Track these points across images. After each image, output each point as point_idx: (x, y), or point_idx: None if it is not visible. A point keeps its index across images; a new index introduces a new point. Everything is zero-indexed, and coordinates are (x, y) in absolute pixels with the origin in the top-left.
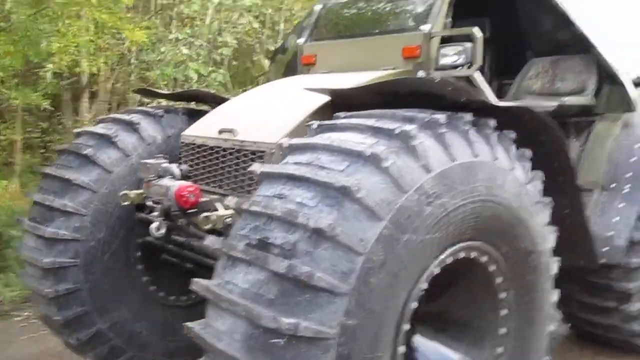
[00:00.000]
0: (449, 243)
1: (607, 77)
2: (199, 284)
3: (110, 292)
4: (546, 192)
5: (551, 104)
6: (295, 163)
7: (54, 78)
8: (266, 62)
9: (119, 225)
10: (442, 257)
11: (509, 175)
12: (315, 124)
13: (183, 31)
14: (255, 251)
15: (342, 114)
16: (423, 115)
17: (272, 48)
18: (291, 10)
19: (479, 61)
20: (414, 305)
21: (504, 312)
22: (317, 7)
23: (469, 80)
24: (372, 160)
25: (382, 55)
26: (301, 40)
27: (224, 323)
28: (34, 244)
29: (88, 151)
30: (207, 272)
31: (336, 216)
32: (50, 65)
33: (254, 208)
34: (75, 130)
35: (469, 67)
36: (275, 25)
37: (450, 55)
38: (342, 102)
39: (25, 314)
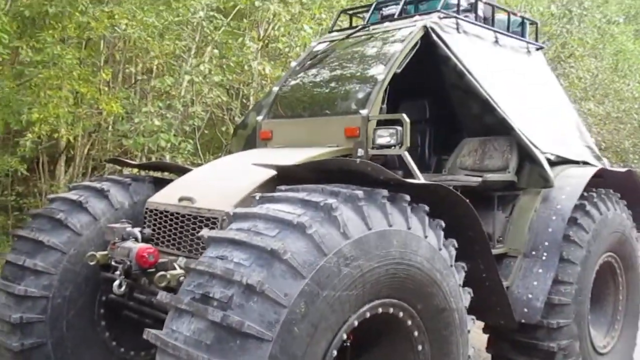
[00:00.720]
0: (366, 299)
1: (526, 156)
2: (150, 333)
3: (73, 346)
4: (462, 257)
5: (475, 179)
6: (237, 229)
7: (32, 143)
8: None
9: (84, 283)
10: (360, 311)
11: (422, 242)
12: (257, 195)
13: (155, 104)
14: (197, 304)
15: (282, 187)
16: (345, 190)
17: (239, 119)
18: (261, 85)
19: (407, 142)
20: (334, 353)
21: None
22: (275, 89)
23: (400, 157)
24: (298, 228)
25: (328, 133)
26: (260, 118)
27: None
28: (5, 301)
29: (60, 215)
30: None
31: (266, 274)
32: (29, 135)
33: (199, 267)
34: (50, 196)
35: (399, 147)
36: (244, 98)
37: (385, 136)
38: (287, 176)
39: None
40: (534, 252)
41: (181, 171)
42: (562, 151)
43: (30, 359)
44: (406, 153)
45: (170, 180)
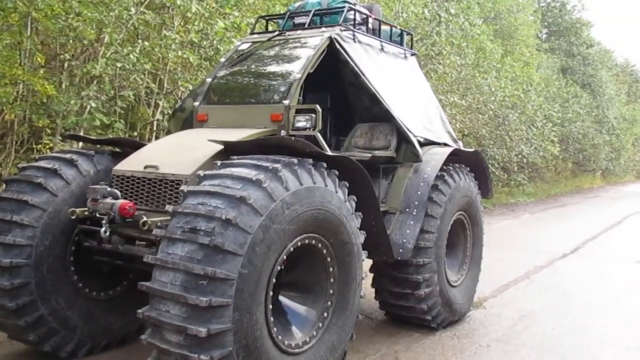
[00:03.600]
0: (299, 233)
1: (403, 138)
2: (149, 257)
3: (51, 286)
4: (359, 209)
5: (366, 155)
6: (210, 184)
7: None
8: (155, 113)
9: (60, 235)
10: (295, 240)
11: (334, 195)
12: (219, 162)
13: (91, 87)
14: (189, 233)
15: (235, 157)
16: (284, 159)
17: (159, 102)
18: (175, 72)
19: (319, 126)
20: (279, 268)
21: (331, 280)
22: (208, 79)
23: (313, 137)
24: (257, 183)
25: (256, 118)
26: (196, 103)
27: (167, 277)
28: None
29: (39, 180)
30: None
31: (237, 213)
32: None
33: (185, 210)
34: (20, 165)
35: (313, 130)
36: (159, 82)
37: (302, 121)
38: (232, 149)
39: None
40: (407, 210)
41: (135, 146)
42: (429, 135)
43: (18, 295)
44: (318, 134)
45: (123, 154)
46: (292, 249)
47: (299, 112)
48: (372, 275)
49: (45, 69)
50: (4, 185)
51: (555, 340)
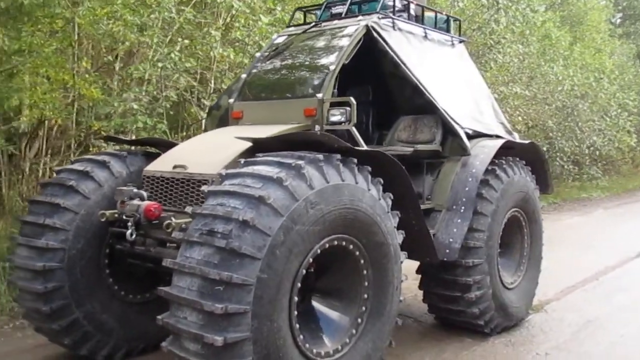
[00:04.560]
0: (326, 234)
1: (449, 131)
2: (167, 261)
3: (85, 289)
4: (398, 208)
5: (408, 149)
6: (230, 184)
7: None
8: (201, 113)
9: (93, 238)
10: (321, 242)
11: (366, 193)
12: (242, 160)
13: (133, 89)
14: (206, 236)
15: (260, 154)
16: (309, 155)
17: (205, 102)
18: (221, 70)
19: (354, 120)
20: (304, 271)
21: (365, 283)
22: (243, 76)
23: (349, 132)
24: (277, 181)
25: (290, 113)
26: (231, 100)
27: (185, 281)
28: (27, 254)
29: (72, 183)
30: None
31: (255, 214)
32: (24, 118)
33: (204, 212)
34: (56, 169)
35: (348, 124)
36: (206, 81)
37: (336, 115)
38: (261, 147)
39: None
40: (454, 207)
41: (167, 145)
42: (478, 126)
43: (52, 299)
44: (353, 128)
45: (156, 154)
46: (319, 251)
47: (333, 105)
48: (419, 277)
49: (91, 73)
50: (39, 189)
51: (622, 350)
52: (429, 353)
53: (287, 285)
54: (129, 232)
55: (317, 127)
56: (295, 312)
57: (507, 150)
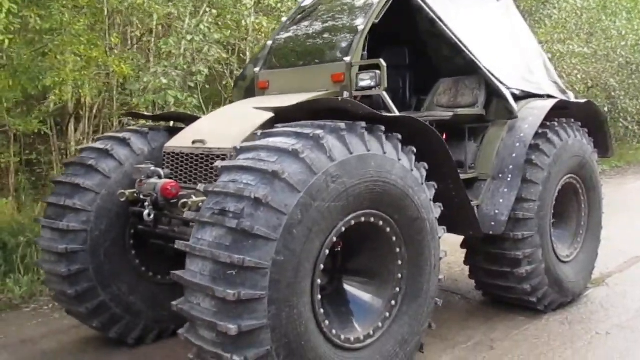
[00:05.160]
0: (351, 210)
1: (493, 92)
2: (179, 243)
3: (110, 271)
4: (435, 178)
5: (447, 114)
6: (244, 158)
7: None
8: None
9: (116, 219)
10: (346, 219)
11: (396, 164)
12: (259, 132)
13: (161, 63)
14: (217, 216)
15: (279, 125)
16: (330, 124)
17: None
18: (257, 39)
19: (384, 84)
20: (327, 252)
21: (399, 262)
22: (269, 42)
23: (379, 97)
24: (293, 154)
25: (317, 80)
26: (257, 69)
27: (197, 265)
28: (50, 236)
29: (91, 162)
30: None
31: (269, 190)
32: (52, 97)
33: (216, 189)
34: (79, 147)
35: (378, 88)
36: (241, 53)
37: (366, 79)
38: (283, 117)
39: (33, 306)
40: (500, 175)
41: (191, 119)
42: (527, 86)
43: (76, 282)
44: (384, 93)
45: (181, 129)
46: (343, 229)
47: (363, 69)
48: (465, 251)
49: (121, 49)
50: (63, 169)
51: None
52: (477, 332)
53: (307, 267)
54: (146, 212)
55: (346, 94)
56: (319, 296)
57: (561, 112)
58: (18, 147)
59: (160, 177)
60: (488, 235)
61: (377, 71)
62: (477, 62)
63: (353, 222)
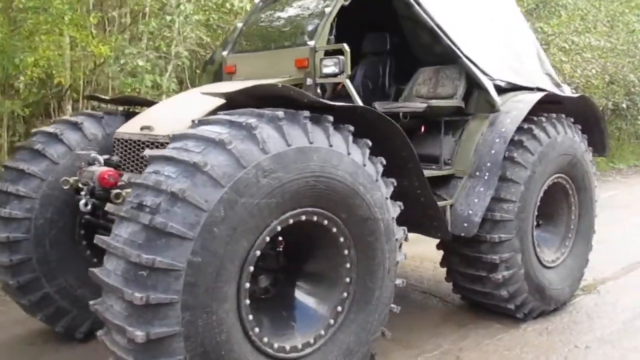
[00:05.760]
0: (287, 207)
1: (474, 83)
2: (99, 238)
3: (57, 262)
4: (398, 175)
5: (420, 105)
6: (172, 148)
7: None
8: None
9: (64, 207)
10: (282, 217)
11: (344, 158)
12: (196, 120)
13: (138, 45)
14: (133, 211)
15: (221, 112)
16: (269, 112)
17: None
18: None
19: (347, 70)
20: (257, 253)
21: (347, 265)
22: (239, 24)
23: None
24: (220, 144)
25: (282, 65)
26: (225, 53)
27: (112, 264)
28: None
29: (39, 146)
30: None
31: (189, 184)
32: (22, 78)
33: (137, 181)
34: (33, 130)
35: (341, 75)
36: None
37: (330, 65)
38: (234, 104)
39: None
40: (477, 173)
41: (147, 104)
42: (515, 78)
43: (19, 272)
44: (347, 81)
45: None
46: (279, 228)
47: (328, 55)
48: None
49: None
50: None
51: None
52: (446, 340)
53: (231, 269)
54: (82, 201)
55: (309, 81)
56: (247, 301)
57: (554, 107)
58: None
59: (101, 164)
60: (461, 237)
61: (341, 57)
62: (456, 50)
63: (292, 221)
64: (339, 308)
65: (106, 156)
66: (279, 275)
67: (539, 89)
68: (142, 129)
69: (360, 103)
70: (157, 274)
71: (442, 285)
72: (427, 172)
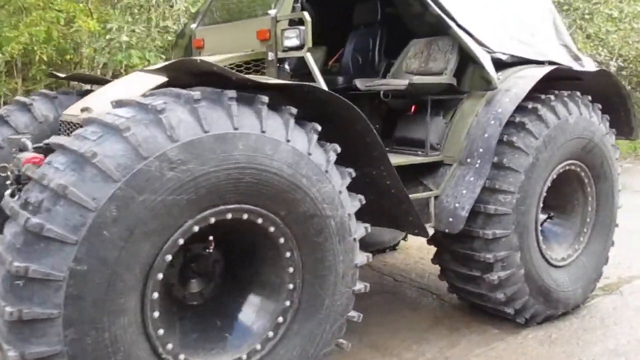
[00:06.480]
0: (205, 205)
1: (468, 56)
2: None
3: None
4: (363, 164)
5: (403, 82)
6: (74, 135)
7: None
8: None
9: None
10: (199, 217)
11: (281, 146)
12: (114, 102)
13: (123, 19)
14: (17, 209)
15: (148, 92)
16: (185, 92)
17: None
18: None
19: (308, 43)
20: (168, 257)
21: (290, 269)
22: None
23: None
24: (117, 131)
25: (244, 38)
26: (194, 26)
27: None
28: None
29: None
30: None
31: (76, 178)
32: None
33: (29, 173)
34: None
35: (302, 49)
36: None
37: (291, 37)
38: (178, 83)
39: None
40: (468, 160)
41: (102, 82)
42: (521, 50)
43: None
44: (308, 55)
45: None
46: (196, 228)
47: (292, 25)
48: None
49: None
50: None
51: None
52: (433, 347)
53: (130, 278)
54: (8, 191)
55: (271, 55)
56: (156, 313)
57: (573, 83)
58: None
59: (29, 150)
60: (448, 233)
61: (302, 27)
62: (445, 18)
63: (213, 220)
64: (280, 319)
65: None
66: (215, 279)
67: (551, 63)
68: (82, 110)
69: (321, 81)
70: (32, 285)
71: (437, 282)
72: (411, 159)
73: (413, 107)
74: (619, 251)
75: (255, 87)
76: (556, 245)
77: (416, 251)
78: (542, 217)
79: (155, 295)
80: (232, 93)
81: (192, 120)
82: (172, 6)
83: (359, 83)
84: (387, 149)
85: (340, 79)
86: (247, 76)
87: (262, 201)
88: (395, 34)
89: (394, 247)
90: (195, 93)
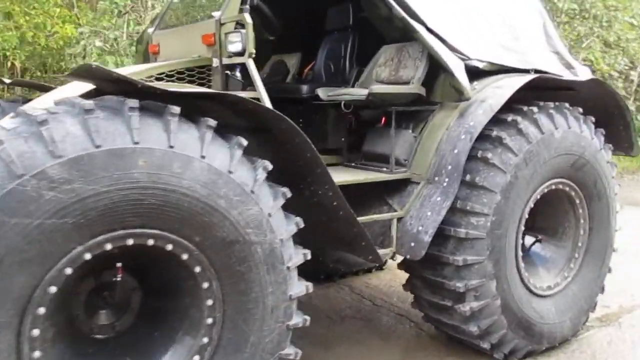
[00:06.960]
0: (98, 230)
1: (439, 64)
2: None
3: None
4: (300, 182)
5: (361, 92)
6: None
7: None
8: None
9: None
10: (90, 243)
11: (194, 163)
12: (14, 113)
13: (99, 24)
14: None
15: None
16: (80, 101)
17: None
18: None
19: (250, 48)
20: (52, 289)
21: (209, 302)
22: None
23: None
24: None
25: (192, 43)
26: (151, 30)
27: None
28: None
29: None
30: None
31: None
32: None
33: None
34: None
35: (243, 55)
36: None
37: (235, 42)
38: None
39: None
40: (436, 178)
41: (45, 90)
42: (503, 57)
43: None
44: (250, 61)
45: None
46: (88, 256)
47: (237, 28)
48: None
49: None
50: None
51: None
52: None
53: (1, 315)
54: None
55: (216, 61)
56: (37, 353)
57: (565, 94)
58: None
59: None
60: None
61: (244, 30)
62: (410, 21)
63: (110, 247)
64: (196, 357)
65: None
66: (129, 310)
67: (538, 71)
68: None
69: (262, 90)
70: None
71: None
72: (374, 176)
73: (383, 119)
74: (623, 277)
75: (171, 97)
76: (544, 271)
77: (404, 272)
78: (530, 240)
79: (36, 332)
80: (133, 102)
81: (82, 133)
82: (147, 9)
83: (321, 92)
84: (353, 163)
85: (305, 88)
86: (154, 84)
87: (170, 225)
88: (370, 40)
89: (380, 267)
90: (88, 102)
